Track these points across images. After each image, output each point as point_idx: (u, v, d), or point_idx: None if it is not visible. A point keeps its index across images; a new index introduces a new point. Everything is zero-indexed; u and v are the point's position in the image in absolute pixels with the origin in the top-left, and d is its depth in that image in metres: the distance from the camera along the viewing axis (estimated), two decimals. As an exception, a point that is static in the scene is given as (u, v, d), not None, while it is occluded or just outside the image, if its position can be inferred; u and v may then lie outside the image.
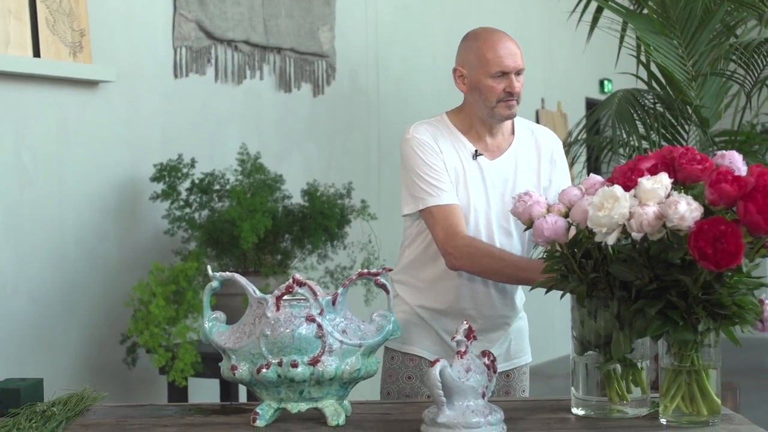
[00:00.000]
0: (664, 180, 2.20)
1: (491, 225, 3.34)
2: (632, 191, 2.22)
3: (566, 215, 2.43)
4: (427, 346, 3.38)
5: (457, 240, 3.21)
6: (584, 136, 6.61)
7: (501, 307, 3.39)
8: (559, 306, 2.76)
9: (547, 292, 2.53)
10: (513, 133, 3.44)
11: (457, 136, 3.40)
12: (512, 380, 3.44)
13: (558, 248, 2.43)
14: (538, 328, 9.11)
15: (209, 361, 4.59)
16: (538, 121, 9.41)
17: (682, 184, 2.27)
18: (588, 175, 2.53)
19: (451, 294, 3.35)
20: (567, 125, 9.67)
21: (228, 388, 5.06)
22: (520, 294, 3.52)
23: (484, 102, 3.32)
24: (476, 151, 3.37)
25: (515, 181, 3.37)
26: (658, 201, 2.18)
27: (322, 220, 5.07)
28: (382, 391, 3.46)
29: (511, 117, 3.36)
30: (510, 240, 3.35)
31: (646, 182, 2.20)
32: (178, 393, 4.79)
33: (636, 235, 2.18)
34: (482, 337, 3.26)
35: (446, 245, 3.23)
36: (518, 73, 3.32)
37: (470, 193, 3.34)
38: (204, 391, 5.26)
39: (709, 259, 2.06)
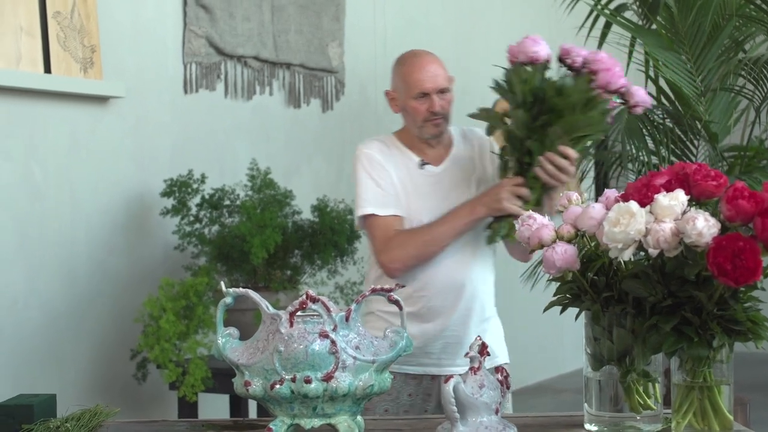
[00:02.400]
0: (680, 197, 2.20)
1: None
2: (648, 207, 2.22)
3: (575, 236, 2.43)
4: (403, 359, 3.41)
5: (388, 248, 3.42)
6: (593, 151, 6.61)
7: (470, 300, 3.57)
8: (569, 321, 2.76)
9: (562, 312, 2.53)
10: (451, 139, 3.66)
11: (402, 150, 3.60)
12: None
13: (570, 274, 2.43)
14: (548, 344, 9.14)
15: (219, 376, 4.59)
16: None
17: (696, 200, 2.27)
18: (596, 191, 2.54)
19: (423, 297, 3.50)
20: (575, 140, 9.66)
21: (238, 404, 5.06)
22: (490, 290, 3.60)
23: (413, 122, 3.56)
24: (421, 160, 3.58)
25: (461, 183, 3.57)
26: (675, 217, 2.18)
27: (331, 235, 5.07)
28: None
29: (439, 135, 3.58)
30: (459, 241, 3.52)
31: (662, 199, 2.20)
32: (189, 408, 4.79)
33: (652, 252, 2.18)
34: (452, 333, 3.44)
35: (381, 257, 3.47)
36: (441, 92, 3.53)
37: (421, 201, 3.52)
38: (214, 407, 5.26)
39: (729, 275, 2.06)
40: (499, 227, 3.44)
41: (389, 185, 3.53)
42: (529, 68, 3.38)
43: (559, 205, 2.56)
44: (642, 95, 3.39)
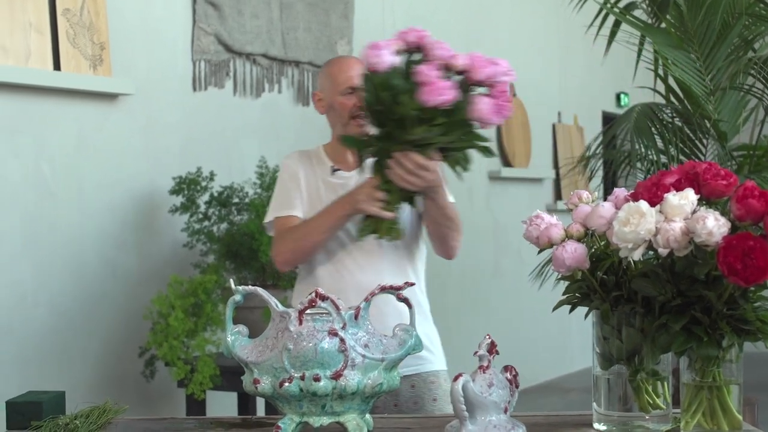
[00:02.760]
0: (690, 196, 2.20)
1: (350, 233, 3.51)
2: (658, 206, 2.22)
3: (584, 235, 2.43)
4: None
5: (274, 243, 3.51)
6: (601, 150, 6.60)
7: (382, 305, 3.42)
8: (576, 321, 2.75)
9: (571, 311, 2.53)
10: None
11: (322, 158, 3.67)
12: (419, 390, 3.53)
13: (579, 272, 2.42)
14: (555, 343, 9.14)
15: (227, 374, 4.59)
16: (554, 135, 9.40)
17: (705, 199, 2.27)
18: (604, 189, 2.53)
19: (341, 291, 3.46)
20: (584, 139, 9.66)
21: (246, 401, 5.07)
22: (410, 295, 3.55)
23: (339, 120, 3.58)
24: (332, 166, 3.61)
25: None
26: (685, 217, 2.18)
27: (340, 233, 5.07)
28: None
29: (366, 134, 3.47)
30: (367, 245, 3.51)
31: (672, 198, 2.19)
32: (197, 406, 4.79)
33: (662, 251, 2.17)
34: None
35: (271, 252, 3.54)
36: None
37: (326, 204, 3.52)
38: (222, 405, 5.26)
39: (739, 275, 2.06)
40: (364, 225, 3.39)
41: (296, 189, 3.59)
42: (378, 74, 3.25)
43: (569, 204, 2.56)
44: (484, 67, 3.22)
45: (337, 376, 2.36)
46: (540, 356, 8.81)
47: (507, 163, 8.57)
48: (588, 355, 2.60)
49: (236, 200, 5.10)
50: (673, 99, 6.12)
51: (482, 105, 3.14)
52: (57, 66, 4.53)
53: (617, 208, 2.33)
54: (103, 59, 4.75)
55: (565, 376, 9.17)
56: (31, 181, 4.51)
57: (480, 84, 3.16)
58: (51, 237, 4.62)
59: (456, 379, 2.26)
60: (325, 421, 2.43)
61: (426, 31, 3.27)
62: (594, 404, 2.49)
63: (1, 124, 4.40)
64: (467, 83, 3.16)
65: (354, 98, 3.50)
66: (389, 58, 3.16)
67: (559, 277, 2.48)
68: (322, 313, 2.42)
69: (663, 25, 6.08)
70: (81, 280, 4.79)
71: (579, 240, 2.40)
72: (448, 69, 3.17)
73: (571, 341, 9.15)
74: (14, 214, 4.44)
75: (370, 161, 3.36)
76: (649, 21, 6.32)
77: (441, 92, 3.06)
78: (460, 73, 3.17)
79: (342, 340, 2.37)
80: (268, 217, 3.61)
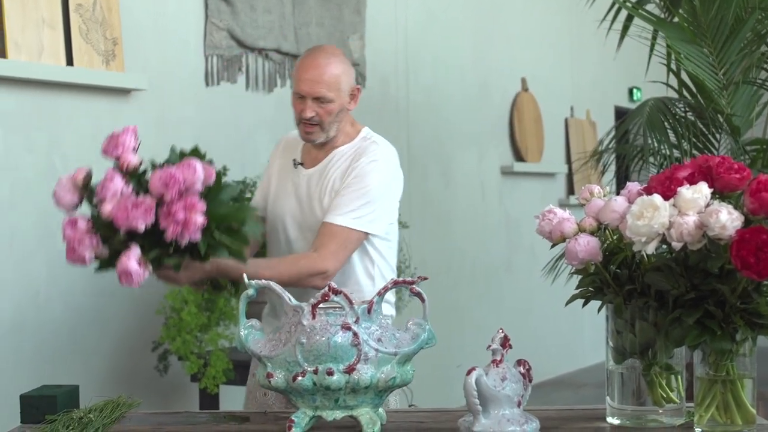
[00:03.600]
0: (704, 189, 2.20)
1: (289, 232, 3.50)
2: (671, 200, 2.22)
3: (597, 229, 2.43)
4: None
5: None
6: (614, 144, 6.60)
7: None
8: (589, 316, 2.75)
9: (584, 305, 2.53)
10: (342, 145, 3.51)
11: (298, 147, 3.58)
12: None
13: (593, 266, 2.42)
14: (568, 338, 9.13)
15: (240, 368, 4.60)
16: (567, 130, 9.40)
17: (719, 193, 2.26)
18: (617, 184, 2.53)
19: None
20: (596, 134, 9.65)
21: (259, 396, 5.07)
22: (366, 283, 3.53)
23: (294, 118, 3.48)
24: (295, 160, 3.54)
25: (316, 190, 3.46)
26: (698, 210, 2.18)
27: (353, 228, 5.07)
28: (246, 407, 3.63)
29: (310, 141, 3.47)
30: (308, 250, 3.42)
31: (686, 192, 2.19)
32: (210, 400, 4.80)
33: (676, 245, 2.17)
34: None
35: None
36: (318, 99, 3.38)
37: (284, 199, 3.52)
38: (235, 399, 5.27)
39: (752, 269, 2.06)
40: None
41: (265, 183, 3.64)
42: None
43: (581, 198, 2.56)
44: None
45: (350, 370, 2.36)
46: (552, 351, 8.81)
47: (519, 157, 8.56)
48: (601, 350, 2.60)
49: (249, 195, 5.10)
50: (685, 93, 6.12)
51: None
52: (70, 62, 4.54)
53: (630, 202, 2.33)
54: (115, 54, 4.75)
55: (578, 370, 9.16)
56: (44, 176, 4.52)
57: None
58: (64, 232, 4.63)
59: (469, 372, 2.26)
60: (339, 415, 2.44)
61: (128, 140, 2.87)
62: (607, 398, 2.50)
63: (15, 119, 4.41)
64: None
65: (301, 105, 3.41)
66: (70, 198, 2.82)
67: (573, 270, 2.48)
68: (335, 307, 2.42)
69: (676, 19, 6.07)
70: (94, 276, 4.78)
71: (592, 234, 2.40)
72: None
73: (583, 336, 9.14)
74: (28, 210, 4.46)
75: None
76: (662, 15, 6.31)
77: (131, 219, 2.61)
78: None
79: (355, 334, 2.38)
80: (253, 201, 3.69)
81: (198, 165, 2.48)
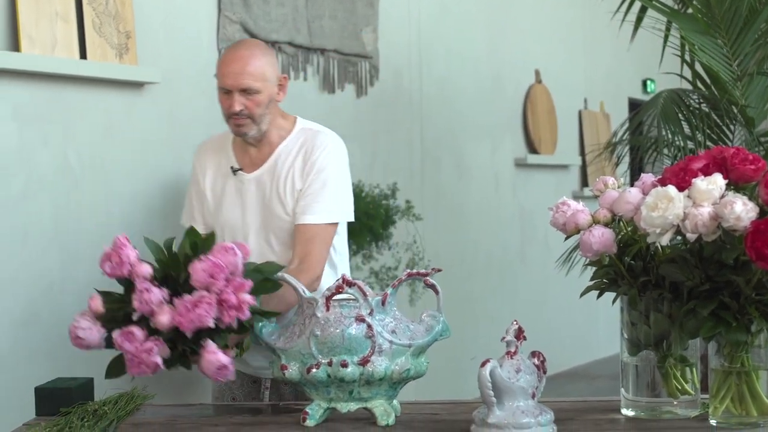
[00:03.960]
0: (718, 181, 2.19)
1: (249, 240, 3.39)
2: (686, 192, 2.21)
3: (611, 220, 2.42)
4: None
5: None
6: (628, 136, 6.58)
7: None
8: (603, 307, 2.75)
9: (599, 297, 2.52)
10: (281, 142, 3.45)
11: (227, 151, 3.51)
12: None
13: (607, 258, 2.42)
14: (582, 330, 9.12)
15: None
16: (580, 122, 9.38)
17: (734, 184, 2.26)
18: (630, 176, 2.53)
19: None
20: (610, 125, 9.63)
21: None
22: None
23: (223, 115, 3.43)
24: (232, 167, 3.46)
25: (273, 192, 3.40)
26: (713, 202, 2.17)
27: (366, 220, 5.07)
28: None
29: (242, 135, 3.41)
30: (273, 256, 3.36)
31: (700, 183, 2.19)
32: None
33: (690, 236, 2.17)
34: None
35: None
36: (246, 91, 3.33)
37: (229, 209, 3.45)
38: (249, 391, 5.28)
39: (767, 260, 2.05)
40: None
41: (197, 197, 3.57)
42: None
43: (595, 190, 2.55)
44: None
45: (364, 362, 2.37)
46: (566, 343, 8.80)
47: (533, 149, 8.55)
48: (615, 342, 2.60)
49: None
50: (699, 85, 6.10)
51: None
52: (83, 55, 4.54)
53: (645, 193, 2.33)
54: (128, 48, 4.75)
55: (592, 362, 9.15)
56: (58, 170, 4.52)
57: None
58: (78, 225, 4.63)
59: (484, 364, 2.26)
60: (353, 407, 2.44)
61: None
62: (622, 390, 2.50)
63: (29, 113, 4.41)
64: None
65: (229, 99, 3.37)
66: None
67: (587, 262, 2.48)
68: (349, 300, 2.42)
69: (690, 10, 6.05)
70: (108, 268, 4.81)
71: (606, 225, 2.40)
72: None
73: (597, 328, 9.13)
74: (41, 203, 4.46)
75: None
76: (676, 6, 6.29)
77: (197, 320, 2.47)
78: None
79: (369, 326, 2.38)
80: (183, 220, 3.62)
81: (234, 247, 2.44)
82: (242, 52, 3.39)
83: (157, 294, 2.47)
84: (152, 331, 2.50)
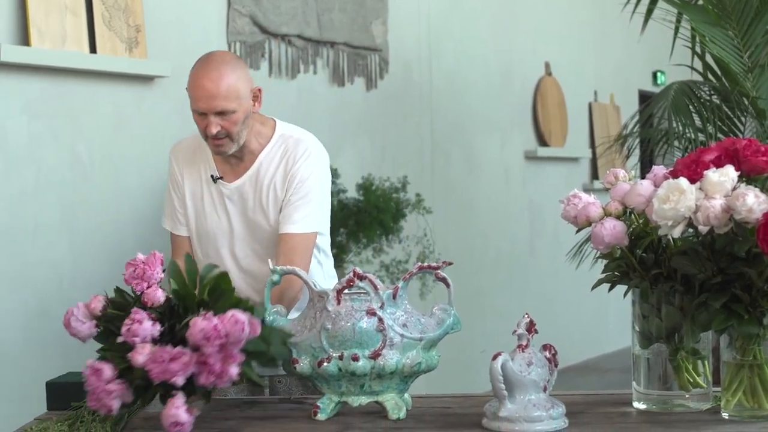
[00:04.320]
0: (730, 173, 2.18)
1: (235, 249, 3.37)
2: (697, 184, 2.20)
3: (623, 213, 2.42)
4: None
5: None
6: (638, 129, 6.57)
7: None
8: (614, 301, 2.74)
9: (610, 290, 2.52)
10: (261, 150, 3.37)
11: (206, 156, 3.40)
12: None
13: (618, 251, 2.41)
14: (592, 323, 9.11)
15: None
16: (590, 114, 9.36)
17: (746, 175, 2.25)
18: (641, 168, 2.52)
19: None
20: (620, 118, 9.61)
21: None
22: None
23: (200, 133, 3.31)
24: (212, 176, 3.37)
25: (256, 203, 3.34)
26: (725, 194, 2.16)
27: (377, 214, 5.06)
28: None
29: (223, 154, 3.31)
30: (260, 263, 3.32)
31: (712, 175, 2.18)
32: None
33: (702, 229, 2.16)
34: None
35: None
36: (220, 114, 3.21)
37: (212, 219, 3.38)
38: (259, 385, 5.28)
39: (778, 252, 2.05)
40: None
41: (178, 200, 3.45)
42: None
43: (606, 183, 2.55)
44: None
45: (375, 355, 2.36)
46: (577, 336, 8.79)
47: (543, 142, 8.54)
48: (626, 335, 2.59)
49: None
50: (710, 77, 6.08)
51: None
52: (93, 49, 4.54)
53: (656, 185, 2.32)
54: (138, 41, 4.76)
55: (603, 356, 9.14)
56: (68, 164, 4.53)
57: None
58: (88, 219, 4.64)
59: (495, 357, 2.25)
60: (364, 400, 2.44)
61: None
62: (633, 383, 2.49)
63: (39, 107, 4.41)
64: None
65: (204, 121, 3.23)
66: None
67: (598, 255, 2.47)
68: (360, 293, 2.42)
69: (700, 2, 6.03)
70: (118, 262, 4.78)
71: (617, 218, 2.39)
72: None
73: (608, 321, 9.12)
74: (52, 197, 4.47)
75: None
76: (686, -2, 6.27)
77: (168, 374, 2.36)
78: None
79: (380, 320, 2.38)
80: (163, 223, 3.53)
81: (245, 321, 2.35)
82: (212, 73, 3.22)
83: (146, 330, 2.42)
84: (126, 373, 2.44)
